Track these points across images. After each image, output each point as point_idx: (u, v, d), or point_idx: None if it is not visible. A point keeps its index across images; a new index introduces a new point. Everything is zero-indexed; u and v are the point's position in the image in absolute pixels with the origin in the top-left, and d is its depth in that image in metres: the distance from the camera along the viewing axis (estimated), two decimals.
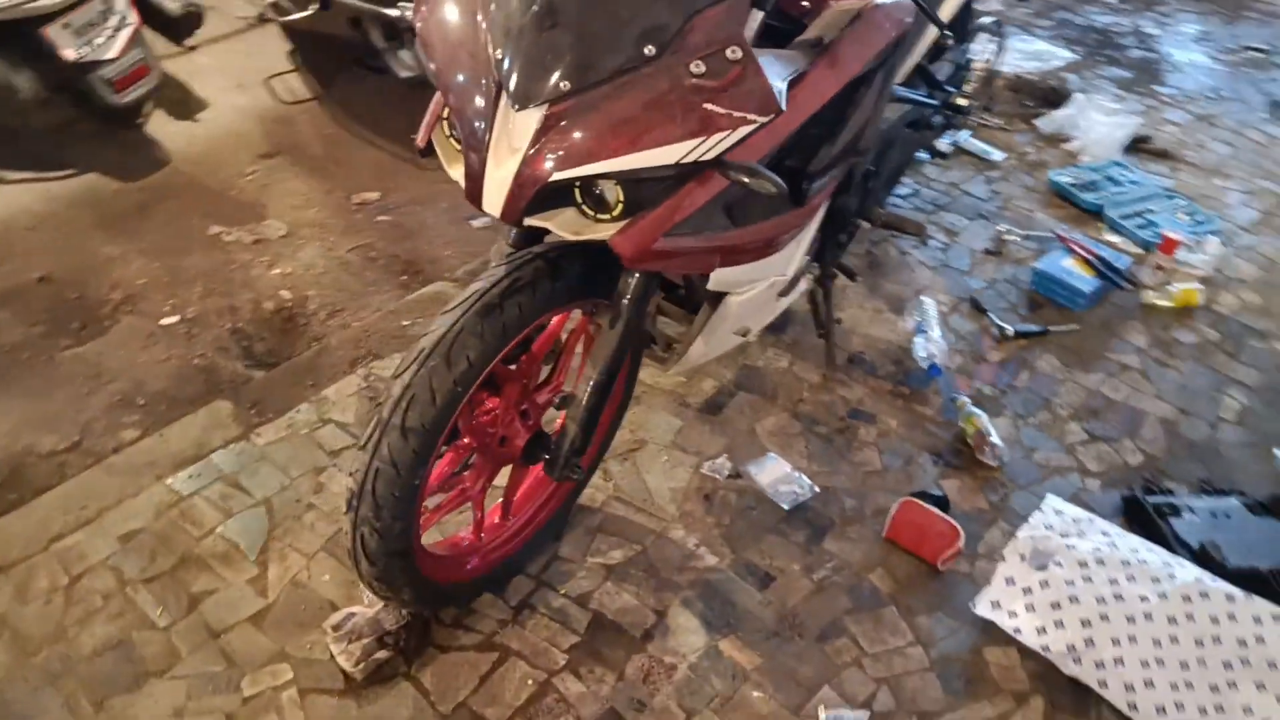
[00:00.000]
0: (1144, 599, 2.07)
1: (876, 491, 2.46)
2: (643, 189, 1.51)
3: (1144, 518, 2.41)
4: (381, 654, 1.93)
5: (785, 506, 2.38)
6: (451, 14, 1.58)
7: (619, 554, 2.22)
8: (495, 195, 1.51)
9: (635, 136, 1.43)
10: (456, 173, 1.63)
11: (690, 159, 1.44)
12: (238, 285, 2.93)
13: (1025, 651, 2.11)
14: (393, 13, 1.80)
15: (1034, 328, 3.05)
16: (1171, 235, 3.29)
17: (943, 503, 2.40)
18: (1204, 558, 2.27)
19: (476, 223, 3.39)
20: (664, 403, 2.62)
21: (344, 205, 3.35)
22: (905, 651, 2.10)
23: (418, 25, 1.62)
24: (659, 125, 1.43)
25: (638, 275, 1.74)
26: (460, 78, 1.54)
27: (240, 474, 2.29)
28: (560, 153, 1.45)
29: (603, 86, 1.45)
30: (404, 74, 3.57)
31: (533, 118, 1.46)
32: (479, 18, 1.54)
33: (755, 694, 1.99)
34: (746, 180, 1.49)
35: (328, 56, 3.96)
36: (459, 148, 1.63)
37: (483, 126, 1.50)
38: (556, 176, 1.46)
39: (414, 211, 3.38)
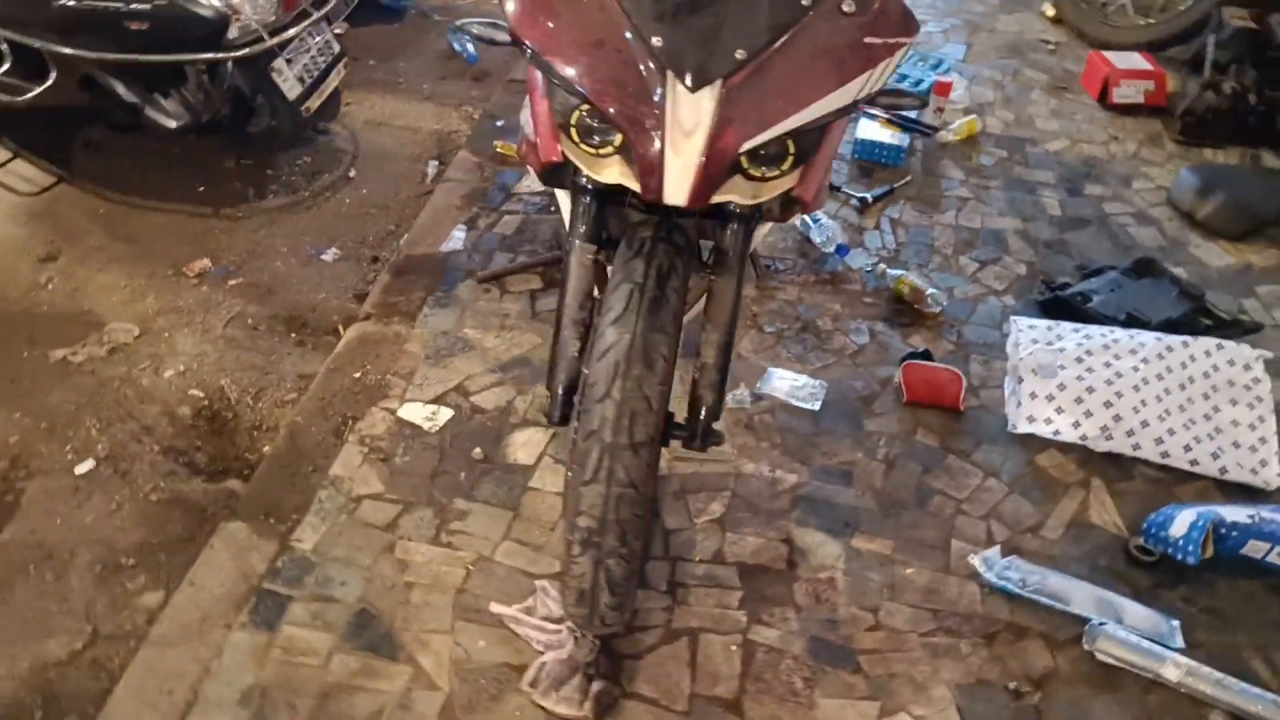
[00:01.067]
0: (1135, 369, 2.46)
1: (867, 367, 2.67)
2: (806, 137, 1.55)
3: (1065, 310, 2.82)
4: (596, 685, 1.87)
5: (814, 408, 2.53)
6: (573, 19, 1.49)
7: (717, 506, 2.27)
8: (680, 183, 1.48)
9: (815, 86, 1.47)
10: (607, 175, 1.56)
11: (864, 94, 1.50)
12: (135, 403, 2.52)
13: (1063, 448, 2.45)
14: (483, 29, 1.62)
15: (883, 189, 3.38)
16: (944, 79, 3.74)
17: (928, 355, 2.66)
18: (1133, 323, 2.72)
19: (327, 256, 3.13)
20: None
21: (179, 282, 2.95)
22: (985, 486, 2.36)
23: (526, 44, 1.50)
24: (833, 70, 1.47)
25: (738, 228, 1.77)
26: (610, 77, 1.47)
27: (312, 585, 2.05)
28: (747, 122, 1.46)
29: (773, 47, 1.46)
30: (173, 124, 3.12)
31: (710, 95, 1.44)
32: (614, 13, 1.47)
33: (908, 571, 2.16)
34: (890, 102, 1.57)
35: (47, 132, 3.38)
36: (594, 150, 1.56)
37: (656, 116, 1.46)
38: (748, 145, 1.47)
39: (257, 265, 3.05)
